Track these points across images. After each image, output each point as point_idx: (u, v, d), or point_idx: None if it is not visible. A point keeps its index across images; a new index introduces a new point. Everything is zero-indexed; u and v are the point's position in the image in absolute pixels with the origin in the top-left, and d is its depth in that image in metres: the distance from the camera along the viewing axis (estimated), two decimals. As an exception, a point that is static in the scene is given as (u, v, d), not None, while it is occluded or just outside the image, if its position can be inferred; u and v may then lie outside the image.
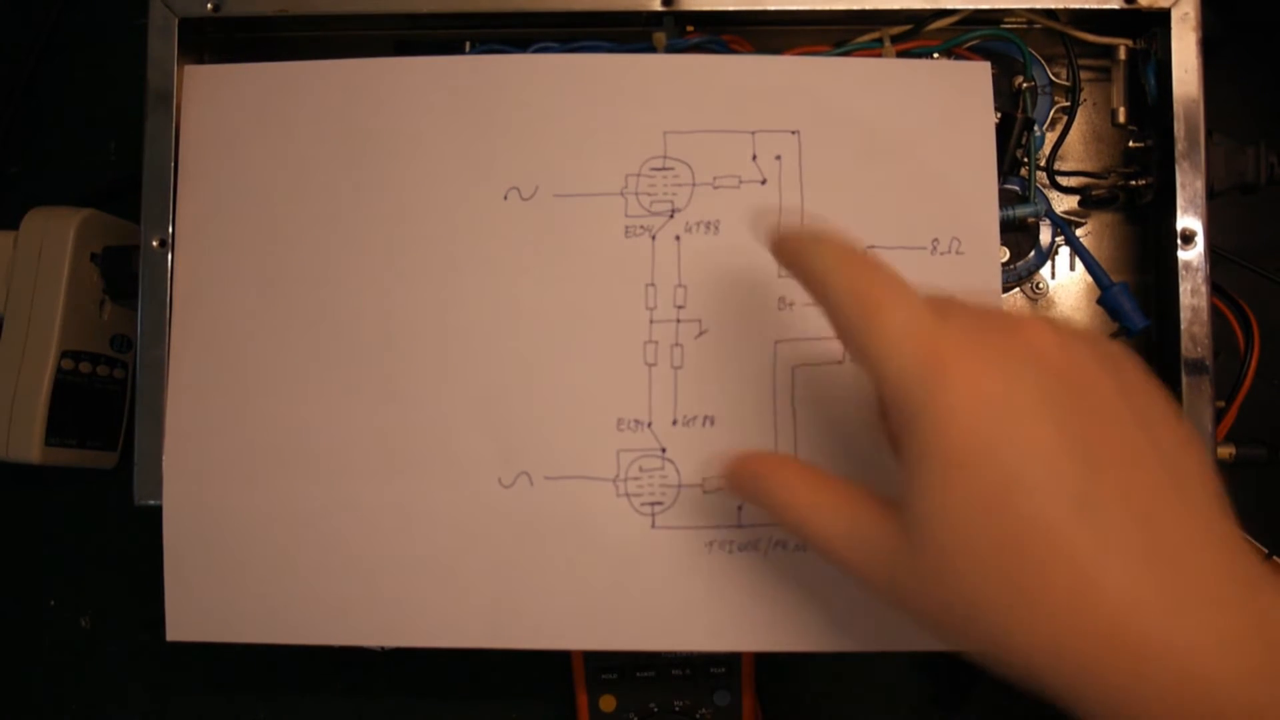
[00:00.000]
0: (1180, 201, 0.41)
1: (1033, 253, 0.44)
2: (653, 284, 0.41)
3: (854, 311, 0.30)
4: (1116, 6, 0.42)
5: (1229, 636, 0.26)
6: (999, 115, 0.42)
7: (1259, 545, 0.48)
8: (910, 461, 0.29)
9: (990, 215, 0.41)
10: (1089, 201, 0.46)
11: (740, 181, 0.41)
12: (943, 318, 0.29)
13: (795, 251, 0.34)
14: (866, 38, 0.43)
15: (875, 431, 0.34)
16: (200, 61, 0.45)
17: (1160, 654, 0.26)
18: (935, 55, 0.43)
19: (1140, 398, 0.30)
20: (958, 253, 0.41)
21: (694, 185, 0.41)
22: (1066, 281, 0.46)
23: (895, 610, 0.31)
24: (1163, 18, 0.42)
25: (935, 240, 0.41)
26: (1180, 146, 0.41)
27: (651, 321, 0.41)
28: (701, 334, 0.41)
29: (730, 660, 0.48)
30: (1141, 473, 0.28)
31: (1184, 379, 0.41)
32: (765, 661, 0.51)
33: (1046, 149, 0.45)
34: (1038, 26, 0.43)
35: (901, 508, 0.30)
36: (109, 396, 0.52)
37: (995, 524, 0.27)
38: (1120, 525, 0.27)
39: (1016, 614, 0.27)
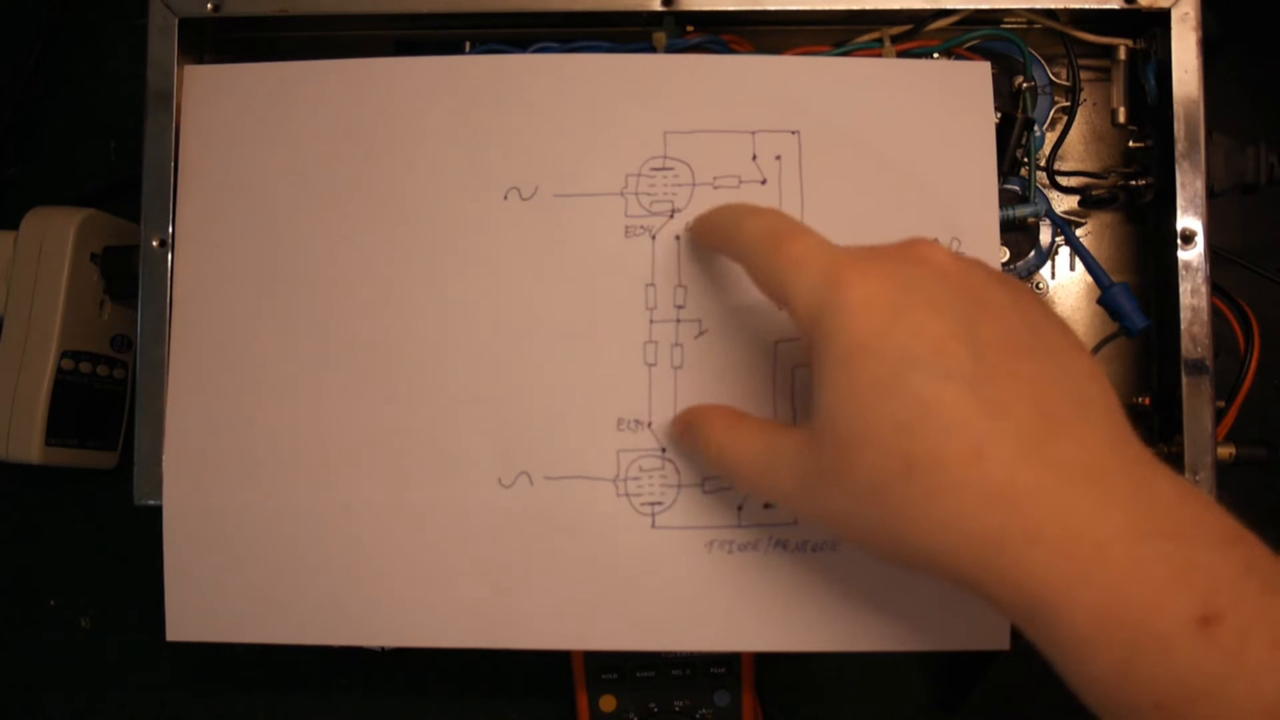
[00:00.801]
0: (1180, 201, 0.41)
1: (1033, 253, 0.44)
2: (653, 284, 0.41)
3: (765, 247, 0.33)
4: (1116, 6, 0.42)
5: (1111, 498, 0.28)
6: (999, 115, 0.42)
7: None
8: (815, 366, 0.31)
9: (990, 215, 0.41)
10: (1089, 201, 0.46)
11: (740, 181, 0.41)
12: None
13: (709, 221, 0.38)
14: (866, 38, 0.43)
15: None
16: (200, 61, 0.45)
17: (1050, 513, 0.27)
18: (935, 55, 0.43)
19: (1032, 310, 0.32)
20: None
21: (694, 185, 0.41)
22: (1066, 281, 0.46)
23: (810, 521, 0.32)
24: (1163, 18, 0.42)
25: (935, 240, 0.40)
26: (1180, 146, 0.41)
27: (651, 321, 0.41)
28: (701, 334, 0.41)
29: (730, 660, 0.48)
30: (1029, 363, 0.30)
31: (1184, 379, 0.41)
32: (765, 661, 0.51)
33: (1046, 149, 0.45)
34: (1038, 26, 0.43)
35: (809, 415, 0.31)
36: (109, 396, 0.52)
37: (892, 405, 0.29)
38: (1009, 400, 0.29)
39: (915, 492, 0.29)
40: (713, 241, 0.39)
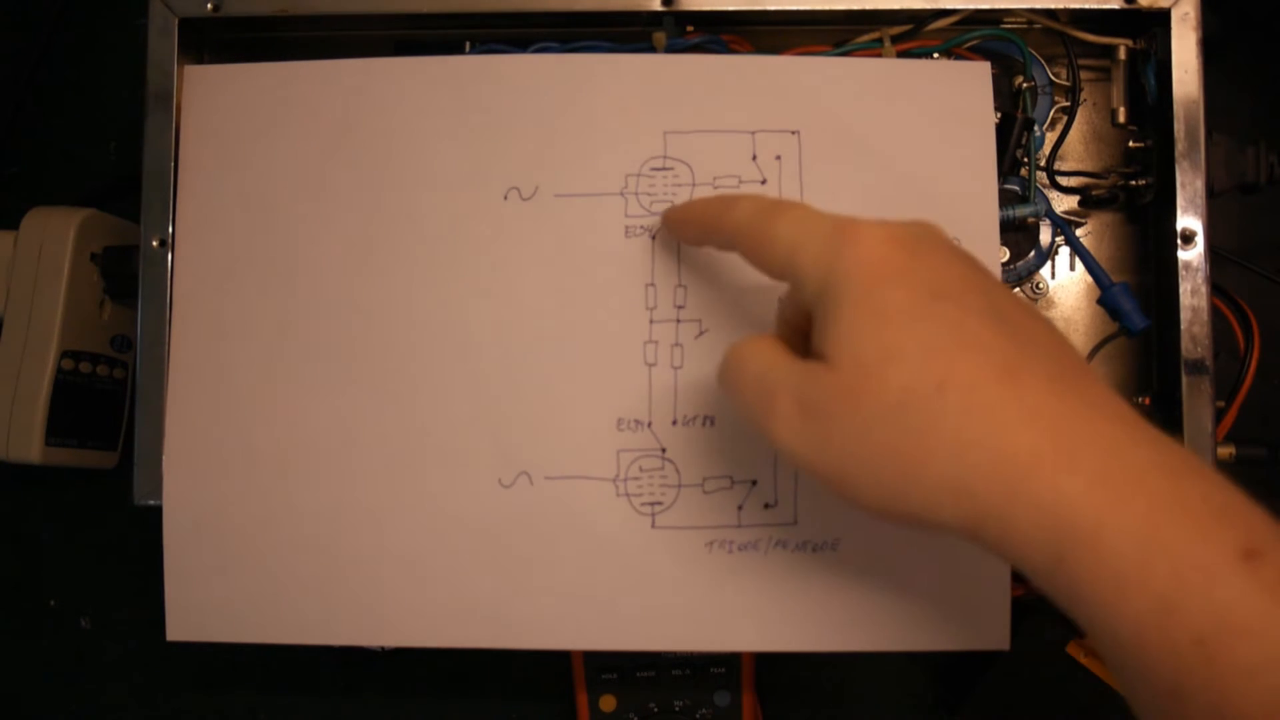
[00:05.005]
0: (1180, 201, 0.41)
1: (1033, 253, 0.44)
2: (653, 284, 0.41)
3: (760, 221, 0.33)
4: (1116, 6, 0.42)
5: (1141, 435, 0.28)
6: (999, 115, 0.42)
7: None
8: (828, 306, 0.30)
9: (990, 215, 0.41)
10: (1089, 201, 0.46)
11: (740, 181, 0.41)
12: None
13: (690, 213, 0.38)
14: (866, 38, 0.43)
15: None
16: (200, 61, 0.45)
17: (1086, 438, 0.27)
18: (935, 55, 0.43)
19: (997, 294, 0.31)
20: (958, 253, 0.41)
21: (694, 185, 0.41)
22: (1066, 281, 0.46)
23: (801, 458, 0.30)
24: (1163, 18, 0.42)
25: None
26: (1180, 146, 0.41)
27: (651, 321, 0.41)
28: (701, 334, 0.41)
29: (730, 660, 0.48)
30: (1030, 319, 0.30)
31: (1184, 379, 0.41)
32: (765, 661, 0.51)
33: (1046, 149, 0.45)
34: (1038, 26, 0.43)
35: (815, 350, 0.31)
36: (109, 396, 0.52)
37: (921, 328, 0.29)
38: (1029, 340, 0.29)
39: (949, 408, 0.28)
40: (696, 232, 0.38)
